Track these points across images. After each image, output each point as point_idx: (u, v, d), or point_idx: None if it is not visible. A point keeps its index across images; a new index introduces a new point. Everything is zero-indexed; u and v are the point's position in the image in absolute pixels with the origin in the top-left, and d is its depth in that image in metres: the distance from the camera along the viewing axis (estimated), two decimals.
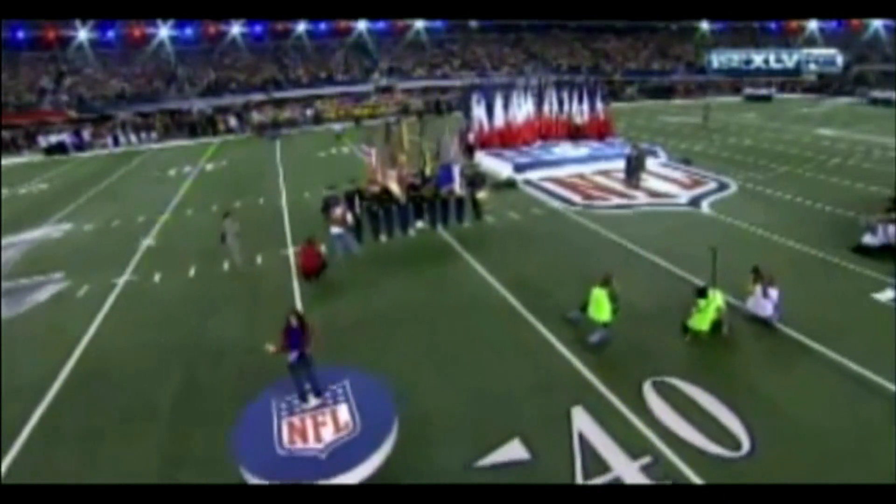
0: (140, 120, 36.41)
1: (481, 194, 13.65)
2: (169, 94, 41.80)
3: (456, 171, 12.49)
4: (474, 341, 8.39)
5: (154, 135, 34.52)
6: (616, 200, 15.45)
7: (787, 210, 14.20)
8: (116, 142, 33.12)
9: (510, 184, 17.38)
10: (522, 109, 21.97)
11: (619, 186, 16.75)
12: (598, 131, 23.09)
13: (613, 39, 55.86)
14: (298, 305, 10.15)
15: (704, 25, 54.72)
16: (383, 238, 12.99)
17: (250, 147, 30.10)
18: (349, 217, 11.57)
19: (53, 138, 32.06)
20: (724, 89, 45.14)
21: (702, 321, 7.80)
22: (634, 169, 16.68)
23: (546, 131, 22.58)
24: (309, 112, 37.77)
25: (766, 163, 19.58)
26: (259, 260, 12.38)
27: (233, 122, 35.52)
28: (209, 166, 24.81)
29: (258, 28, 48.35)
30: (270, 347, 6.57)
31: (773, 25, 55.93)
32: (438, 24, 51.29)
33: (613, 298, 7.82)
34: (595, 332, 7.90)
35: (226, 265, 12.03)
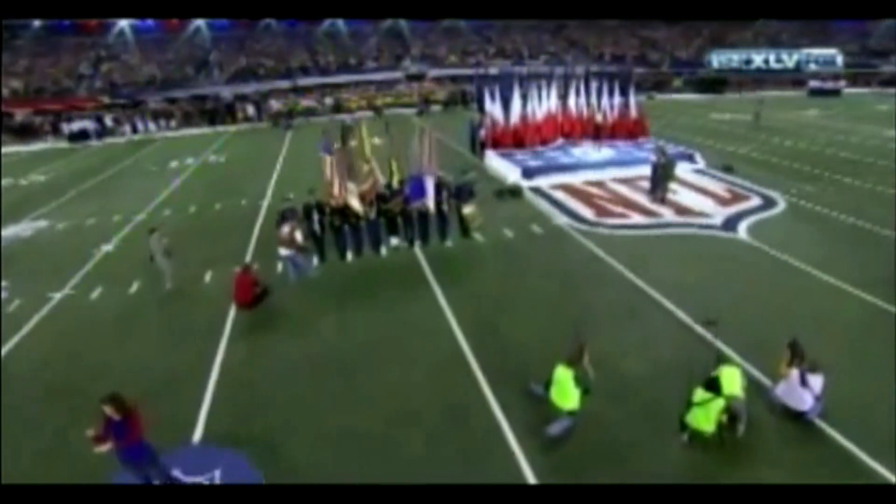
0: (161, 107, 36.11)
1: (467, 209, 11.65)
2: (198, 81, 41.51)
3: (429, 182, 10.42)
4: (403, 417, 6.53)
5: (173, 122, 34.09)
6: (635, 218, 13.08)
7: (848, 239, 11.47)
8: (135, 129, 32.87)
9: (515, 192, 15.24)
10: (543, 104, 19.65)
11: (641, 199, 14.32)
12: (630, 131, 20.52)
13: (663, 27, 51.68)
14: (225, 338, 8.68)
15: None
16: (350, 257, 11.28)
17: (260, 138, 28.98)
18: (298, 236, 9.88)
19: (76, 125, 32.06)
20: (784, 83, 40.76)
21: (703, 420, 5.61)
22: (661, 179, 14.17)
23: (569, 129, 20.19)
24: (328, 101, 36.39)
25: (824, 172, 16.56)
26: (207, 277, 10.95)
27: (251, 110, 34.64)
28: (211, 159, 23.78)
29: None
30: (90, 433, 4.98)
31: None
32: None
33: (580, 381, 5.79)
34: (556, 422, 5.87)
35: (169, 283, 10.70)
